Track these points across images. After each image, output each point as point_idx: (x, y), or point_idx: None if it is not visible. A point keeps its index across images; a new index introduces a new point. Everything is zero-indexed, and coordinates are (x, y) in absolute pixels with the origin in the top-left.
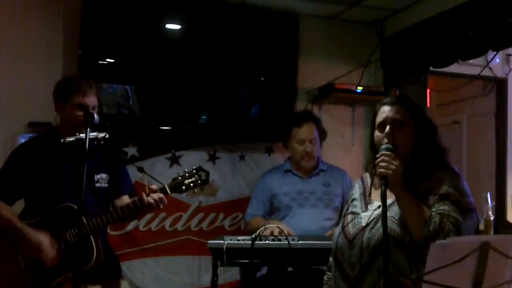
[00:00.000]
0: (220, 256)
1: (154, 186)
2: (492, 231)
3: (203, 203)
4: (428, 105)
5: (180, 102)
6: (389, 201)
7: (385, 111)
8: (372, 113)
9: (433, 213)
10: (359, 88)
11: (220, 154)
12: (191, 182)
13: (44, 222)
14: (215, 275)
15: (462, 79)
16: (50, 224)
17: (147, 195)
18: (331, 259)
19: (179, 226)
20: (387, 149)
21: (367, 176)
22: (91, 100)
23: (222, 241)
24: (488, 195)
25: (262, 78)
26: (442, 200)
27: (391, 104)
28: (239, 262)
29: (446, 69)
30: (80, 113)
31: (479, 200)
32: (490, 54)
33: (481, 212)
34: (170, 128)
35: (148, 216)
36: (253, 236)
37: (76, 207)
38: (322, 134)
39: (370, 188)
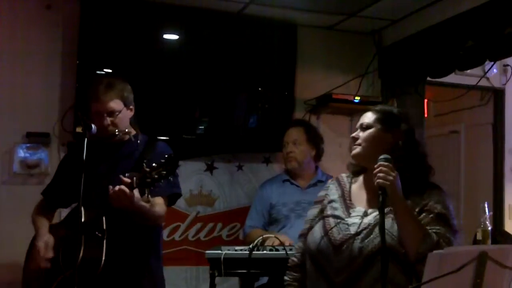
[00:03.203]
0: (217, 266)
1: (125, 179)
2: (489, 241)
3: (201, 213)
4: (426, 115)
5: (178, 112)
6: (376, 210)
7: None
8: None
9: (430, 231)
10: (357, 98)
11: (218, 164)
12: (156, 174)
13: (63, 224)
14: (212, 285)
15: (459, 89)
16: (66, 225)
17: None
18: (294, 259)
19: (176, 236)
20: (386, 159)
21: (343, 177)
22: (104, 107)
23: (219, 251)
24: (486, 205)
25: (260, 88)
26: (438, 219)
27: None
28: (236, 272)
29: (443, 79)
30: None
31: (477, 210)
32: (488, 64)
33: (479, 222)
34: (167, 138)
35: None
36: (250, 246)
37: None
38: (314, 139)
39: (350, 190)
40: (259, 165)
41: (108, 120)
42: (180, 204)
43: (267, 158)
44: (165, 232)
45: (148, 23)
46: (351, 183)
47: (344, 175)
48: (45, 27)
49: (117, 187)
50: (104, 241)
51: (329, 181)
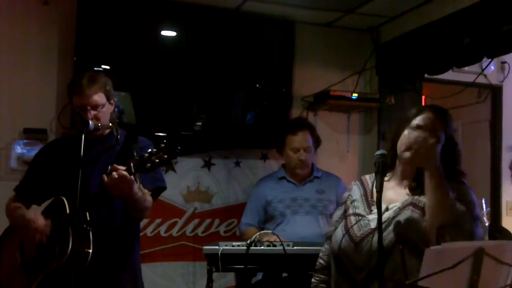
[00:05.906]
0: (215, 262)
1: (120, 167)
2: (487, 237)
3: (198, 209)
4: None
5: (176, 108)
6: (397, 204)
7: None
8: (376, 117)
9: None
10: (355, 95)
11: (216, 160)
12: (157, 158)
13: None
14: (210, 281)
15: (457, 86)
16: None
17: (107, 175)
18: (321, 261)
19: (174, 232)
20: (382, 155)
21: (366, 177)
22: (88, 100)
23: (217, 247)
24: (483, 202)
25: (258, 85)
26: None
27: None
28: (234, 268)
29: (441, 76)
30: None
31: None
32: (485, 61)
33: None
34: (165, 134)
35: (143, 221)
36: (248, 242)
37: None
38: (317, 142)
39: (372, 189)
40: (256, 162)
41: (92, 113)
42: (178, 200)
43: (264, 155)
44: (162, 228)
45: (146, 19)
46: (373, 182)
47: (367, 176)
48: (42, 22)
49: (115, 173)
50: (90, 234)
51: (352, 182)
